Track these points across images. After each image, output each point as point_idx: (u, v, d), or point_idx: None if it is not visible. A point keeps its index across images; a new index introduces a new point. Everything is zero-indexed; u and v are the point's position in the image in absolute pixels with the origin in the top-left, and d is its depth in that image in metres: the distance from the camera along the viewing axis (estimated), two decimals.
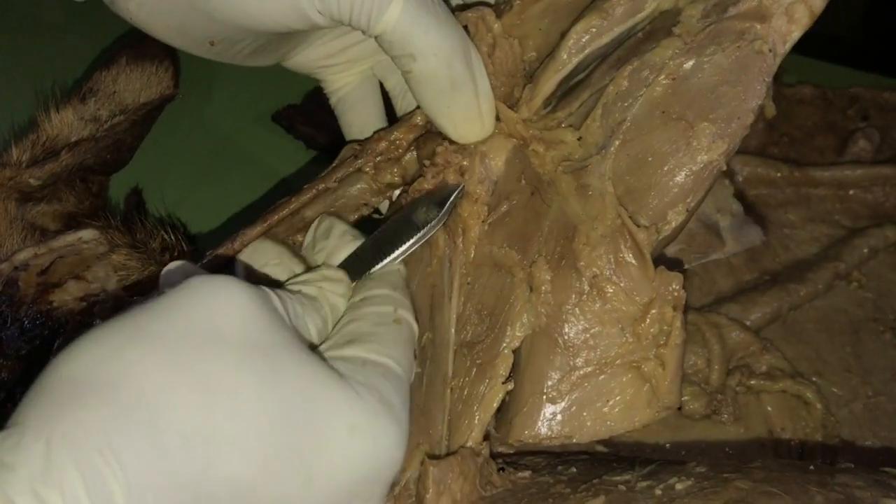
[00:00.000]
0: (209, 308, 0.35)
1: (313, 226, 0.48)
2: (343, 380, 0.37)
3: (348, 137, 0.55)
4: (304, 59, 0.54)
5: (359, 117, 0.55)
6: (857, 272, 0.61)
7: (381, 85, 0.57)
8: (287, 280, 0.44)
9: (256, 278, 0.45)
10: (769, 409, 0.56)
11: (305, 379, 0.36)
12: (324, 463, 0.35)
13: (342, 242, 0.46)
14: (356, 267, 0.45)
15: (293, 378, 0.35)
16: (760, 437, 0.55)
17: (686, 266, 0.53)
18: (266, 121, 0.75)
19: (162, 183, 0.65)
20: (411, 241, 0.46)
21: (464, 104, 0.45)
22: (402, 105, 0.55)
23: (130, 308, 0.35)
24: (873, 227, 0.62)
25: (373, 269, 0.45)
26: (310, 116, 0.72)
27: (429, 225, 0.46)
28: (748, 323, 0.58)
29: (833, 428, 0.55)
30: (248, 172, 0.70)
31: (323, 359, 0.38)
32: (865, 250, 0.61)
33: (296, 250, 0.48)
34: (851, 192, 0.64)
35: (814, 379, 0.57)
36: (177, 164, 0.69)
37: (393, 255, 0.46)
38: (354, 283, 0.45)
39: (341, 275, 0.44)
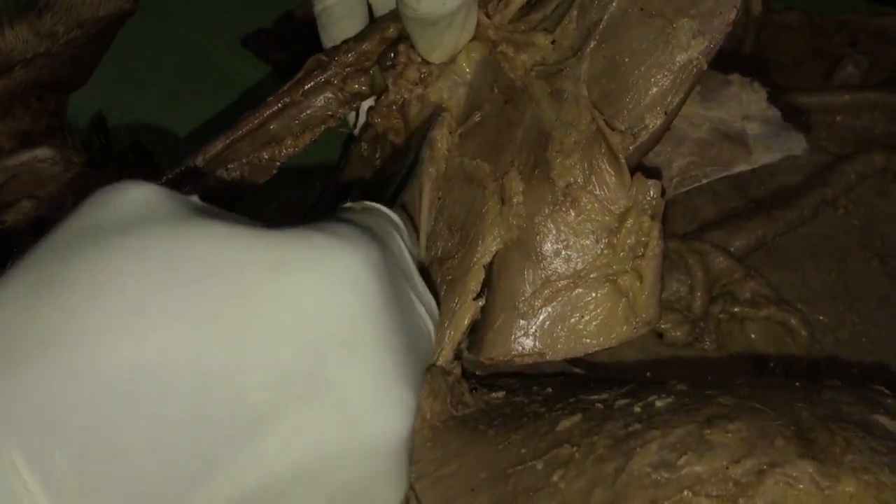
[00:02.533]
0: (113, 203, 0.30)
1: None
2: (259, 226, 0.31)
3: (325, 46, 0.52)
4: None
5: (342, 32, 0.52)
6: (843, 198, 0.59)
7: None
8: None
9: None
10: (753, 336, 0.55)
11: (205, 239, 0.29)
12: (254, 320, 0.28)
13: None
14: None
15: (203, 234, 0.29)
16: (744, 365, 0.54)
17: (703, 180, 0.50)
18: (235, 45, 0.73)
19: (126, 108, 0.63)
20: None
21: (448, 40, 0.44)
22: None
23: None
24: (861, 153, 0.60)
25: None
26: (281, 41, 0.70)
27: None
28: (732, 250, 0.57)
29: (818, 355, 0.54)
30: (216, 98, 0.68)
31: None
32: (853, 176, 0.59)
33: None
34: (838, 118, 0.62)
35: (799, 306, 0.56)
36: (142, 90, 0.67)
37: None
38: None
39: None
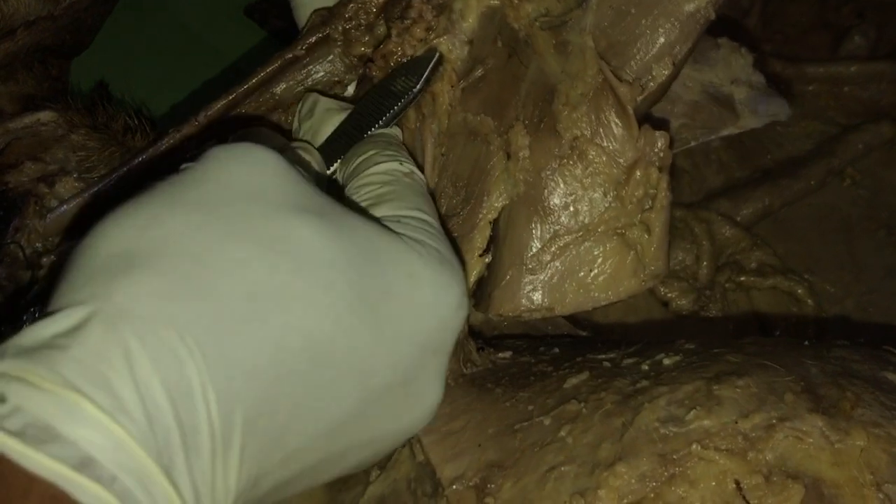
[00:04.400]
0: (242, 172, 0.31)
1: (298, 106, 0.45)
2: (391, 231, 0.35)
3: (299, 20, 0.51)
4: None
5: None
6: (850, 169, 0.59)
7: None
8: None
9: None
10: (759, 305, 0.55)
11: (359, 231, 0.33)
12: (395, 315, 0.33)
13: (327, 117, 0.43)
14: (340, 142, 0.43)
15: (348, 231, 0.32)
16: (750, 332, 0.54)
17: (692, 142, 0.50)
18: (239, 14, 0.72)
19: (129, 76, 0.62)
20: (393, 110, 0.43)
21: None
22: None
23: (152, 185, 0.31)
24: (868, 123, 0.60)
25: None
26: (283, 10, 0.69)
27: (410, 92, 0.43)
28: (738, 219, 0.57)
29: (825, 324, 0.54)
30: (219, 66, 0.67)
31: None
32: (860, 146, 0.59)
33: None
34: (846, 88, 0.62)
35: (806, 276, 0.56)
36: (145, 58, 0.67)
37: (375, 129, 0.43)
38: (346, 155, 0.42)
39: (305, 144, 0.41)
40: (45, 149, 0.47)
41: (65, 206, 0.44)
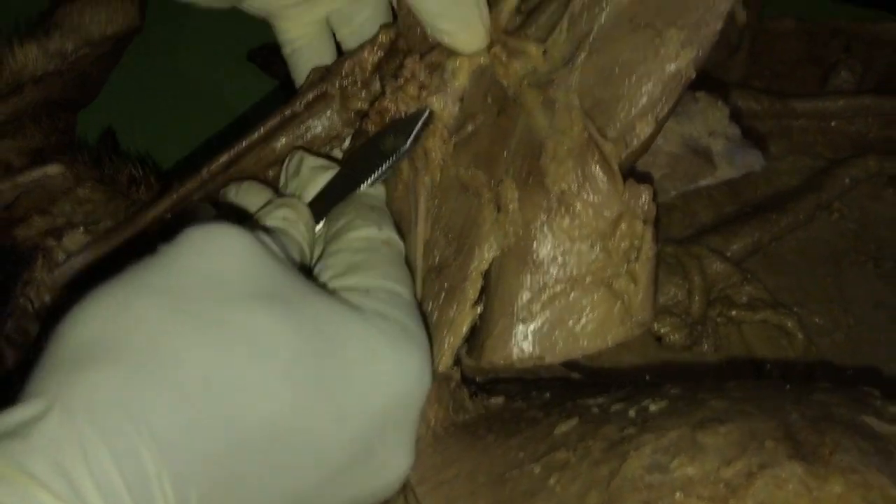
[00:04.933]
0: (210, 257, 0.33)
1: (284, 164, 0.47)
2: (354, 308, 0.36)
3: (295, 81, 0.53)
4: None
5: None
6: (838, 203, 0.60)
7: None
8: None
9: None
10: (750, 339, 0.56)
11: (319, 313, 0.35)
12: (352, 393, 0.35)
13: (313, 175, 0.45)
14: (327, 201, 0.44)
15: (306, 314, 0.34)
16: (741, 367, 0.55)
17: (673, 192, 0.52)
18: (242, 60, 0.74)
19: (135, 123, 0.64)
20: (380, 170, 0.44)
21: (465, 10, 0.43)
22: None
23: (128, 267, 0.33)
24: (855, 157, 0.61)
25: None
26: None
27: (398, 152, 0.44)
28: (729, 254, 0.58)
29: (815, 357, 0.55)
30: (224, 112, 0.69)
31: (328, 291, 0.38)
32: (847, 180, 0.60)
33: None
34: (833, 123, 0.63)
35: (795, 309, 0.57)
36: (151, 105, 0.68)
37: (362, 187, 0.44)
38: (330, 214, 0.44)
39: (294, 200, 0.43)
40: (53, 202, 0.48)
41: (72, 260, 0.46)
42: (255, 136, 0.47)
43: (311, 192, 0.44)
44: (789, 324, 0.55)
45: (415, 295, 0.42)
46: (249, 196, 0.45)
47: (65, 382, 0.29)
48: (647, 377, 0.55)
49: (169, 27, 0.73)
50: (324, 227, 0.43)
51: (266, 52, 0.72)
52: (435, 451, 0.41)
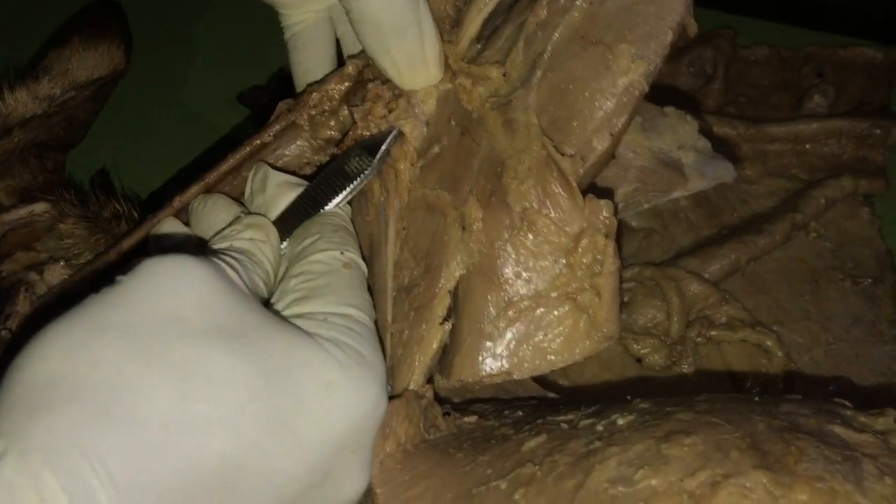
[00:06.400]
0: (167, 292, 0.34)
1: (249, 177, 0.48)
2: (310, 339, 0.37)
3: (296, 77, 0.54)
4: None
5: (308, 56, 0.54)
6: (814, 223, 0.61)
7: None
8: (211, 237, 0.43)
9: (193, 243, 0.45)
10: (730, 358, 0.56)
11: (275, 346, 0.35)
12: (309, 424, 0.35)
13: (279, 193, 0.45)
14: (292, 220, 0.45)
15: (262, 347, 0.35)
16: (722, 386, 0.55)
17: (645, 205, 0.52)
18: (231, 102, 0.75)
19: (125, 163, 0.65)
20: (345, 191, 0.45)
21: (407, 49, 0.44)
22: (350, 53, 0.54)
23: (86, 299, 0.34)
24: (830, 178, 0.61)
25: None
26: (275, 97, 0.72)
27: (363, 174, 0.45)
28: (706, 275, 0.58)
29: (794, 375, 0.55)
30: (213, 155, 0.70)
31: (284, 319, 0.38)
32: (822, 201, 0.60)
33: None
34: (808, 146, 0.64)
35: (774, 328, 0.57)
36: (143, 146, 0.69)
37: (327, 207, 0.45)
38: (294, 233, 0.44)
39: (262, 220, 0.43)
40: (38, 238, 0.50)
41: (51, 292, 0.47)
42: (225, 166, 0.49)
43: (277, 209, 0.45)
44: (769, 342, 0.55)
45: (374, 318, 0.42)
46: (216, 211, 0.46)
47: (20, 424, 0.29)
48: (628, 397, 0.55)
49: (155, 68, 0.75)
50: (287, 245, 0.44)
51: (256, 93, 0.74)
52: (403, 468, 0.41)
